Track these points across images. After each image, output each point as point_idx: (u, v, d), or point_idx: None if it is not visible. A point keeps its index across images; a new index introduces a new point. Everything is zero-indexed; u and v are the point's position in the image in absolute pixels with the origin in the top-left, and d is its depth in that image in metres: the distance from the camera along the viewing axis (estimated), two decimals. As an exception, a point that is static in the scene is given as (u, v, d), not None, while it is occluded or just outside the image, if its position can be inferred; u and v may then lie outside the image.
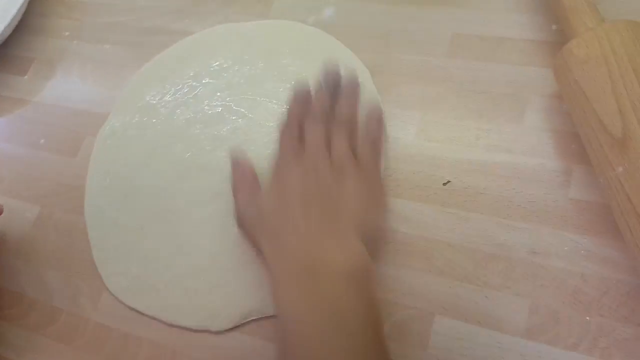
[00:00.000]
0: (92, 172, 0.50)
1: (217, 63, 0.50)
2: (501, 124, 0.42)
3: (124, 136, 0.50)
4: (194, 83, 0.50)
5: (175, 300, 0.42)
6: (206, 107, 0.49)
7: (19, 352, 0.45)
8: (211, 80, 0.50)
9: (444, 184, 0.41)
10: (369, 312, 0.33)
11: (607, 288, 0.35)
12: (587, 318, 0.35)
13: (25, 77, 0.59)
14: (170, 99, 0.50)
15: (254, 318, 0.41)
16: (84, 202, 0.49)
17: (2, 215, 0.47)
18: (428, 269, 0.39)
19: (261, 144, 0.45)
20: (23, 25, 0.61)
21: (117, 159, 0.49)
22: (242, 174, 0.42)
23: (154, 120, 0.50)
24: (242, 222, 0.41)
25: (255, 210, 0.39)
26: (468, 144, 0.42)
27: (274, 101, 0.47)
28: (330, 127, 0.40)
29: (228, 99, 0.48)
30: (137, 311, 0.44)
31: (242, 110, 0.47)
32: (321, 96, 0.42)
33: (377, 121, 0.42)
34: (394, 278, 0.39)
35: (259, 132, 0.46)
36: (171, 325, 0.42)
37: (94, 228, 0.47)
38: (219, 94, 0.49)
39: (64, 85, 0.57)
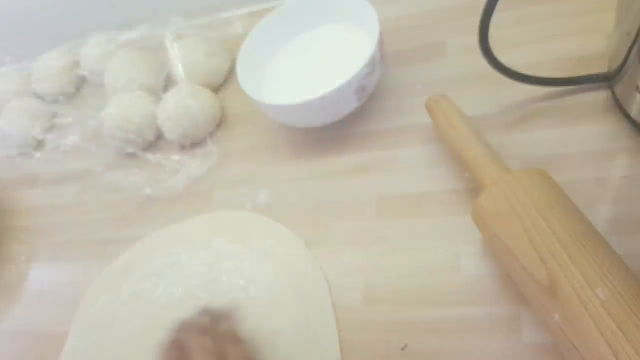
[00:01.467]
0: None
1: (158, 263, 0.50)
2: (441, 276, 0.41)
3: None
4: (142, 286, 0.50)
5: None
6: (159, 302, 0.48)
7: None
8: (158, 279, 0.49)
9: (402, 349, 0.39)
10: None
11: None
12: None
13: (-13, 306, 0.58)
14: (121, 305, 0.49)
15: None
16: None
17: None
18: None
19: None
20: (-20, 258, 0.61)
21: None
22: None
23: (112, 333, 0.48)
24: None
25: None
26: (415, 302, 0.41)
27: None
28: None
29: (180, 289, 0.48)
30: None
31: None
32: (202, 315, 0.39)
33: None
34: None
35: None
36: None
37: None
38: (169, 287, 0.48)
39: (25, 310, 0.56)
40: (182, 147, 0.58)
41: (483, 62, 0.42)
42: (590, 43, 0.47)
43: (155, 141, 0.61)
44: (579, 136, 0.43)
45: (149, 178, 0.57)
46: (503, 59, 0.42)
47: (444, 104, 0.44)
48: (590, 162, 0.41)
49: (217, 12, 0.70)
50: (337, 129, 0.52)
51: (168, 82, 0.65)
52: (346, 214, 0.47)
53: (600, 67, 0.44)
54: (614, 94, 0.43)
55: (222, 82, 0.64)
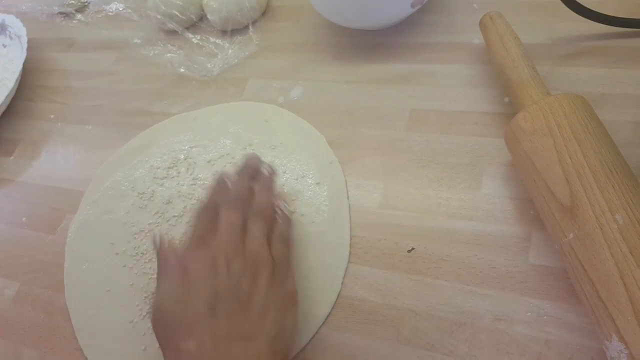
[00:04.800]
0: (69, 258, 0.49)
1: (187, 145, 0.51)
2: (460, 192, 0.41)
3: (97, 222, 0.49)
4: (161, 164, 0.51)
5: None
6: (177, 185, 0.49)
7: None
8: (181, 159, 0.50)
9: (409, 251, 0.40)
10: None
11: (572, 354, 0.34)
12: (553, 384, 0.33)
13: (11, 157, 0.59)
14: (139, 178, 0.51)
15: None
16: (64, 286, 0.47)
17: None
18: (396, 338, 0.37)
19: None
20: (11, 109, 0.62)
21: (91, 245, 0.48)
22: (166, 261, 0.36)
23: (123, 203, 0.49)
24: (154, 323, 0.35)
25: (155, 302, 0.34)
26: (430, 211, 0.41)
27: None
28: (246, 214, 0.37)
29: (200, 175, 0.48)
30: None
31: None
32: (239, 184, 0.39)
33: (271, 179, 0.41)
34: (362, 349, 0.37)
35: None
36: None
37: (77, 314, 0.45)
38: (188, 172, 0.49)
39: (47, 165, 0.57)
40: (223, 32, 0.58)
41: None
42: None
43: (198, 22, 0.60)
44: (627, 79, 0.42)
45: (185, 58, 0.57)
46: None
47: (500, 22, 0.43)
48: (633, 106, 0.41)
49: None
50: (384, 36, 0.51)
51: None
52: (376, 121, 0.47)
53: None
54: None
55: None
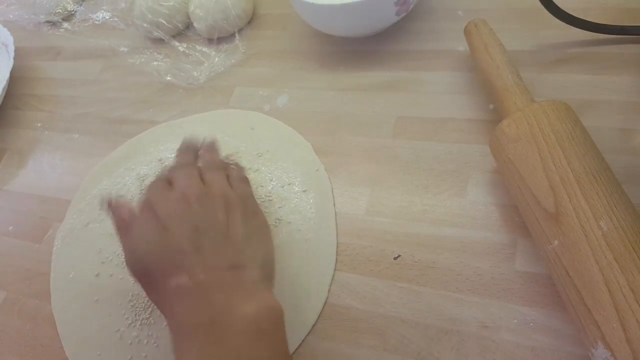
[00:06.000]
0: (56, 266, 0.47)
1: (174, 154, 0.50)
2: (446, 199, 0.41)
3: (84, 230, 0.48)
4: (148, 172, 0.50)
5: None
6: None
7: None
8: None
9: (395, 259, 0.39)
10: None
11: (558, 360, 0.33)
12: (540, 393, 0.32)
13: (-2, 166, 0.58)
14: (125, 186, 0.50)
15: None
16: (51, 294, 0.46)
17: None
18: (383, 346, 0.36)
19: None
20: (-2, 118, 0.61)
21: (78, 254, 0.47)
22: (121, 216, 0.35)
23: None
24: (133, 271, 0.33)
25: (129, 251, 0.33)
26: (416, 218, 0.41)
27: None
28: (198, 170, 0.37)
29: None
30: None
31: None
32: (185, 150, 0.39)
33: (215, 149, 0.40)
34: (349, 357, 0.37)
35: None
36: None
37: (63, 323, 0.44)
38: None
39: (33, 174, 0.56)
40: (210, 40, 0.57)
41: (529, -2, 0.40)
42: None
43: (184, 30, 0.60)
44: (611, 86, 0.42)
45: (172, 66, 0.56)
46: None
47: (485, 29, 0.42)
48: (617, 112, 0.40)
49: None
50: (369, 44, 0.51)
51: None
52: (362, 128, 0.47)
53: (647, 20, 0.42)
54: (655, 48, 0.41)
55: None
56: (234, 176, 0.38)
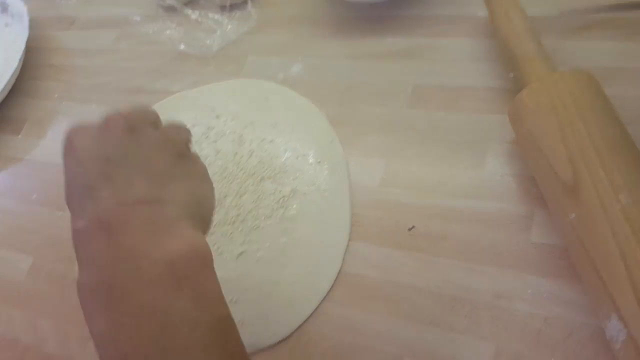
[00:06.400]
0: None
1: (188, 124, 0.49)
2: (463, 170, 0.40)
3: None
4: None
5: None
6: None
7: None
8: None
9: (409, 230, 0.39)
10: (219, 325, 0.25)
11: (571, 331, 0.33)
12: (552, 361, 0.32)
13: (19, 136, 0.59)
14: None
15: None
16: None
17: None
18: (396, 313, 0.37)
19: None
20: (17, 88, 0.61)
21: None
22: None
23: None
24: None
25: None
26: (431, 190, 0.40)
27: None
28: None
29: (202, 154, 0.47)
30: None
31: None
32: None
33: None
34: (362, 322, 0.37)
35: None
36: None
37: None
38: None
39: (54, 143, 0.56)
40: (222, 8, 0.56)
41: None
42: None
43: (196, -2, 0.59)
44: (636, 53, 0.40)
45: (184, 34, 0.56)
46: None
47: (505, -5, 0.40)
48: (641, 80, 0.39)
49: None
50: (385, 9, 0.49)
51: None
52: (378, 97, 0.46)
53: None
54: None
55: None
56: (170, 124, 0.32)
